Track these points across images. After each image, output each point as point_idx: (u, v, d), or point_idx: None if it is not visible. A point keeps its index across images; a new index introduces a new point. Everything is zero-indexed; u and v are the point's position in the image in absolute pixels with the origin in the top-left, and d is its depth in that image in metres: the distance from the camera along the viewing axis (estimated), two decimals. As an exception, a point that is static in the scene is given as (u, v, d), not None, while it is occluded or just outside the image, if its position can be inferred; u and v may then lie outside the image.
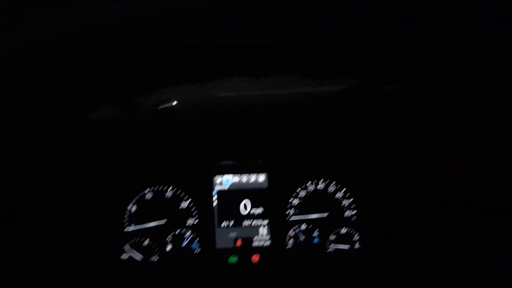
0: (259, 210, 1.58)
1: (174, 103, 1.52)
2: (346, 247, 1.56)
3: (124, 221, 1.54)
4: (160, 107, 1.50)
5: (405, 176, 1.53)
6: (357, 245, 1.57)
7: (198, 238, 1.57)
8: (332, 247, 1.57)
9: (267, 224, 1.58)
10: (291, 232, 1.57)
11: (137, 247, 1.54)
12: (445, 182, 1.41)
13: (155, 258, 1.55)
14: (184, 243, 1.55)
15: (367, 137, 1.52)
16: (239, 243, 1.57)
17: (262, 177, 1.57)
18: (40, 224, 1.37)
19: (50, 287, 1.35)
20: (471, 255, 1.34)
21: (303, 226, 1.57)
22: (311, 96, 1.59)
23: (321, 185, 1.57)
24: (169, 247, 1.56)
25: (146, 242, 1.55)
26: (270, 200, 1.57)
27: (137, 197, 1.55)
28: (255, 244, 1.58)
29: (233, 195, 1.57)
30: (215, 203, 1.57)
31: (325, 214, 1.56)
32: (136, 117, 1.45)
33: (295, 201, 1.57)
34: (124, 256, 1.54)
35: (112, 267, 1.52)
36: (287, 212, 1.58)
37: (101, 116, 1.43)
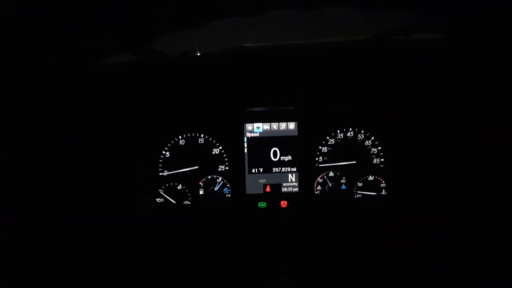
0: (288, 157, 1.62)
1: (198, 54, 1.53)
2: (373, 194, 1.61)
3: (159, 166, 1.59)
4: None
5: (432, 126, 1.55)
6: (383, 192, 1.61)
7: (228, 184, 1.62)
8: (359, 193, 1.61)
9: (296, 171, 1.62)
10: (319, 179, 1.62)
11: (171, 191, 1.60)
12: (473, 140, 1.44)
13: (187, 202, 1.62)
14: (216, 188, 1.61)
15: (394, 87, 1.53)
16: (268, 189, 1.63)
17: (292, 125, 1.60)
18: (80, 167, 1.43)
19: (90, 229, 1.43)
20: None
21: (331, 173, 1.62)
22: (338, 46, 1.59)
23: (350, 134, 1.60)
24: (201, 192, 1.62)
25: (180, 186, 1.61)
26: (299, 148, 1.61)
27: (170, 144, 1.59)
28: (283, 190, 1.63)
29: (263, 142, 1.61)
30: (245, 150, 1.61)
31: (353, 162, 1.60)
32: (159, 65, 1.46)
33: (324, 149, 1.61)
34: (159, 199, 1.60)
35: (148, 209, 1.60)
36: (316, 159, 1.62)
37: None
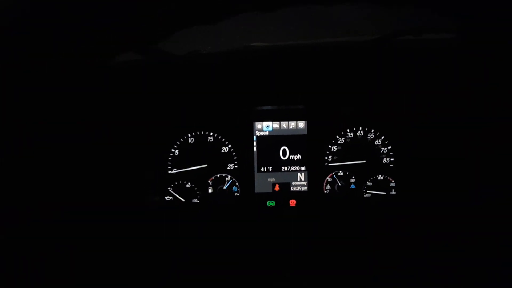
0: (297, 156, 1.61)
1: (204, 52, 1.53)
2: (382, 193, 1.59)
3: (168, 164, 1.60)
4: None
5: (443, 126, 1.53)
6: (393, 192, 1.59)
7: (237, 182, 1.62)
8: (369, 193, 1.60)
9: (305, 169, 1.62)
10: (328, 178, 1.61)
11: (180, 189, 1.61)
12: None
13: (196, 200, 1.62)
14: (225, 187, 1.61)
15: (405, 86, 1.51)
16: (277, 187, 1.62)
17: (302, 124, 1.59)
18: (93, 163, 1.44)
19: (100, 225, 1.44)
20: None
21: (341, 172, 1.61)
22: (349, 45, 1.57)
23: (360, 133, 1.59)
24: (209, 190, 1.62)
25: (188, 185, 1.61)
26: (309, 147, 1.60)
27: (179, 142, 1.60)
28: (292, 189, 1.63)
29: (273, 141, 1.60)
30: (254, 149, 1.61)
31: (363, 161, 1.58)
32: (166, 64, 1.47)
33: (334, 148, 1.60)
34: (168, 198, 1.61)
35: (157, 207, 1.61)
36: (325, 158, 1.61)
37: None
